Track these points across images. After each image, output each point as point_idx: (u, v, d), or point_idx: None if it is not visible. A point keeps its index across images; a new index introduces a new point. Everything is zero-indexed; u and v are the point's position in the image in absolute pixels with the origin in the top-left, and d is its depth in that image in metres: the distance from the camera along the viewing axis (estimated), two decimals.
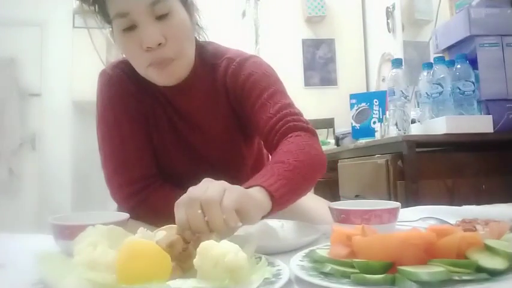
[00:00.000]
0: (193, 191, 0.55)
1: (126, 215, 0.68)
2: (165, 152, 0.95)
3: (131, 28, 0.77)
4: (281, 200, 0.65)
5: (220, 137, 0.95)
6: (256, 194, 0.62)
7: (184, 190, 0.83)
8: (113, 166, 0.90)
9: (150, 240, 0.49)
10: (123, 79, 0.91)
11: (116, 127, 0.90)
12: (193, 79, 0.88)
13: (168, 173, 0.95)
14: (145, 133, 0.92)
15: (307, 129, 0.83)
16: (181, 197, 0.55)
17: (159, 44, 0.77)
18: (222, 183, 0.57)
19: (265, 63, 0.95)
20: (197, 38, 0.92)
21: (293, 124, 0.82)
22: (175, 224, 0.57)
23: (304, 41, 3.52)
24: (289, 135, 0.80)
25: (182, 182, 0.93)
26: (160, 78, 0.82)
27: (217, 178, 0.67)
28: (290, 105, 0.86)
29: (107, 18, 0.82)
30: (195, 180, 0.86)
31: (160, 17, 0.77)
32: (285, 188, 0.66)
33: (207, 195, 0.53)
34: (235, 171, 0.96)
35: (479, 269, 0.42)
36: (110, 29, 0.85)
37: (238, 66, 0.90)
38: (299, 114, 0.85)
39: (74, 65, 3.96)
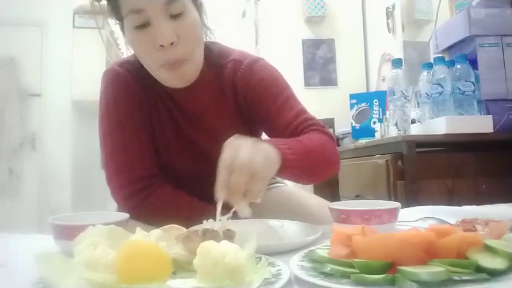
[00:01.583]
0: (240, 158, 0.61)
1: (126, 215, 0.68)
2: (168, 151, 0.95)
3: (144, 25, 0.77)
4: (286, 171, 0.72)
5: (226, 136, 0.96)
6: (274, 157, 0.68)
7: (186, 189, 0.86)
8: (114, 166, 0.90)
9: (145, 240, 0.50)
10: (128, 78, 0.91)
11: (119, 126, 0.90)
12: (200, 80, 0.89)
13: (170, 171, 0.95)
14: (148, 133, 0.92)
15: (326, 132, 0.90)
16: (227, 159, 0.62)
17: (172, 43, 0.77)
18: (258, 150, 0.63)
19: (271, 66, 0.97)
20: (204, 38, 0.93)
21: (315, 127, 0.89)
22: (175, 224, 0.57)
23: (304, 41, 3.51)
24: (311, 132, 0.87)
25: (184, 180, 0.95)
26: (172, 80, 0.83)
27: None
28: (305, 111, 0.93)
29: (117, 14, 0.82)
30: (197, 179, 0.91)
31: (175, 16, 0.78)
32: (295, 163, 0.73)
33: (255, 168, 0.60)
34: None
35: (479, 269, 0.42)
36: (119, 24, 0.85)
37: (248, 70, 0.92)
38: (315, 119, 0.92)
39: (74, 65, 3.96)
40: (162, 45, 0.76)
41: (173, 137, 0.94)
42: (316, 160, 0.81)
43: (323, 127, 0.90)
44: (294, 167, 0.73)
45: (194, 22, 0.81)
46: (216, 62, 0.93)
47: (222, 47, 0.97)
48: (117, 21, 0.85)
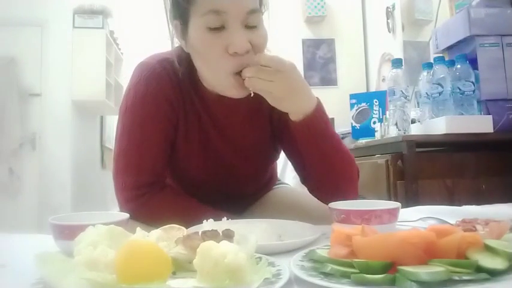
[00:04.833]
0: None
1: (126, 215, 0.68)
2: (188, 159, 0.92)
3: (218, 29, 0.75)
4: (311, 126, 0.81)
5: (254, 151, 0.95)
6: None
7: (198, 196, 0.92)
8: (124, 164, 0.88)
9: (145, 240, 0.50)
10: (163, 78, 0.86)
11: (140, 126, 0.87)
12: None
13: (186, 178, 0.95)
14: (167, 138, 0.89)
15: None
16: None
17: (246, 52, 0.75)
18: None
19: None
20: None
21: None
22: (175, 224, 0.57)
23: (304, 41, 3.52)
24: None
25: (198, 187, 0.95)
26: (238, 88, 0.78)
27: (237, 185, 0.96)
28: None
29: (182, 12, 0.78)
30: (212, 188, 0.95)
31: (249, 27, 0.77)
32: (320, 120, 0.83)
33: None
34: (257, 180, 1.04)
35: (479, 269, 0.42)
36: (178, 22, 0.81)
37: None
38: None
39: (74, 65, 3.96)
40: (236, 53, 0.74)
41: (197, 145, 0.91)
42: (332, 145, 0.91)
43: None
44: (316, 122, 0.81)
45: (266, 35, 0.82)
46: None
47: None
48: (176, 19, 0.81)
